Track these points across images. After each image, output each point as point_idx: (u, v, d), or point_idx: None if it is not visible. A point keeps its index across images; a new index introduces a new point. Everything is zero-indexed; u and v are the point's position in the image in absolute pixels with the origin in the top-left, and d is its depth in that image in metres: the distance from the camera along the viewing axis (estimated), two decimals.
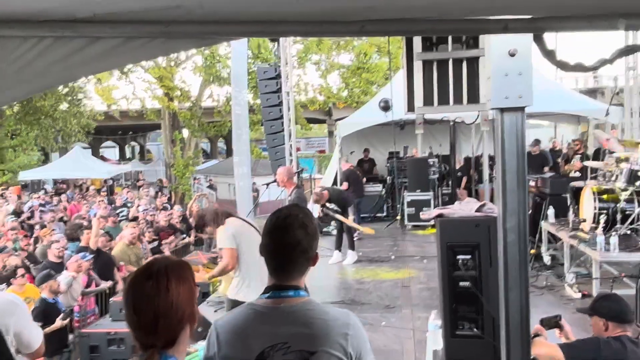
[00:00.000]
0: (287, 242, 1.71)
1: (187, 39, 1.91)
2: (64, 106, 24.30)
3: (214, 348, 1.72)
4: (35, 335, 2.91)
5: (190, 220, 12.47)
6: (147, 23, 1.75)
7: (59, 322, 6.24)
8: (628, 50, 2.48)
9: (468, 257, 3.06)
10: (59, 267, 7.64)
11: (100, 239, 8.56)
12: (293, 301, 1.70)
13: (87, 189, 21.95)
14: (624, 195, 6.57)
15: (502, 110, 2.26)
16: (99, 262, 8.06)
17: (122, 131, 39.44)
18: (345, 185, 11.39)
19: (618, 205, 6.55)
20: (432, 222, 8.29)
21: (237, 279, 4.51)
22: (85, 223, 10.61)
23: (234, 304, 4.52)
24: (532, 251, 7.76)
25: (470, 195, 12.26)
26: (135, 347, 1.49)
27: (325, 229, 10.83)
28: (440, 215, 3.28)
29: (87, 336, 6.40)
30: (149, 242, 10.09)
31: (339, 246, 8.94)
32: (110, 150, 43.91)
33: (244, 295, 4.35)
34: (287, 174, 6.97)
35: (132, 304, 1.46)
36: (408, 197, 11.47)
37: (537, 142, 12.09)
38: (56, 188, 23.29)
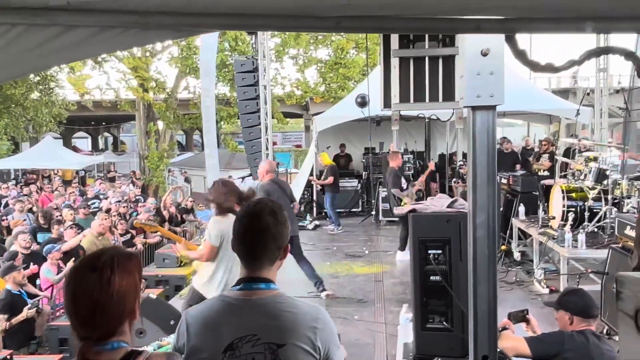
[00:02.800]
0: (258, 226, 1.75)
1: (163, 30, 1.89)
2: (35, 95, 23.72)
3: (184, 338, 1.72)
4: None
5: (164, 212, 12.34)
6: (122, 13, 1.74)
7: (25, 313, 6.15)
8: (597, 52, 2.55)
9: (439, 251, 3.12)
10: (27, 258, 7.51)
11: (69, 231, 8.41)
12: (264, 294, 1.72)
13: (57, 179, 21.48)
14: (591, 194, 6.76)
15: (474, 108, 2.31)
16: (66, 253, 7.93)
17: (95, 122, 38.72)
18: (331, 179, 11.48)
19: (586, 203, 6.74)
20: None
21: (207, 274, 4.54)
22: (57, 215, 10.44)
23: (196, 295, 4.56)
24: (503, 247, 7.92)
25: (443, 191, 12.43)
26: (73, 337, 1.46)
27: (300, 224, 10.85)
28: (413, 211, 3.34)
29: (57, 329, 6.30)
30: (122, 235, 9.95)
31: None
32: (82, 140, 43.07)
33: (207, 291, 4.43)
34: (267, 167, 6.99)
35: (72, 293, 1.43)
36: (383, 192, 11.57)
37: (504, 139, 12.31)
38: (26, 178, 22.78)
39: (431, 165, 10.72)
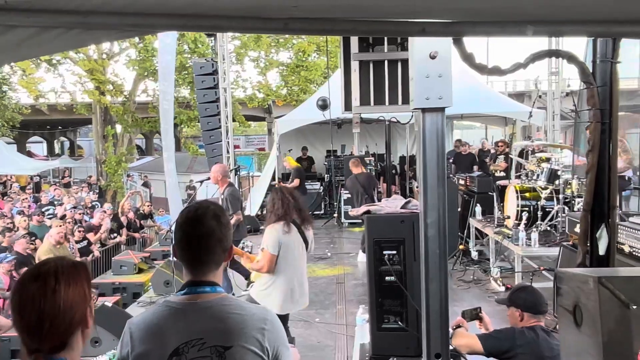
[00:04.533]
0: (202, 232, 1.71)
1: (107, 30, 1.85)
2: None
3: (127, 347, 1.68)
4: None
5: (122, 218, 12.07)
6: (63, 13, 1.69)
7: None
8: (541, 55, 2.63)
9: (394, 252, 3.15)
10: None
11: (21, 240, 8.13)
12: (209, 297, 1.70)
13: (10, 185, 20.73)
14: (544, 194, 6.97)
15: (424, 110, 2.35)
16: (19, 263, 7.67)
17: (50, 126, 37.60)
18: (297, 182, 11.46)
19: (539, 203, 6.94)
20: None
21: (263, 282, 4.41)
22: (7, 222, 10.08)
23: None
24: (461, 247, 8.07)
25: (404, 193, 12.59)
26: (21, 353, 1.42)
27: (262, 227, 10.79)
28: (368, 212, 3.36)
29: (8, 340, 6.07)
30: (77, 242, 9.68)
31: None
32: (37, 145, 41.69)
33: (262, 298, 4.28)
34: (221, 172, 6.89)
35: (18, 305, 1.39)
36: (345, 195, 11.63)
37: (460, 142, 12.57)
38: None
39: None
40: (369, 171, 10.12)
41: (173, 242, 8.03)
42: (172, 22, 1.87)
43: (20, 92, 26.63)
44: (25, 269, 6.65)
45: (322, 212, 13.42)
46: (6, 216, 10.69)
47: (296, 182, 11.55)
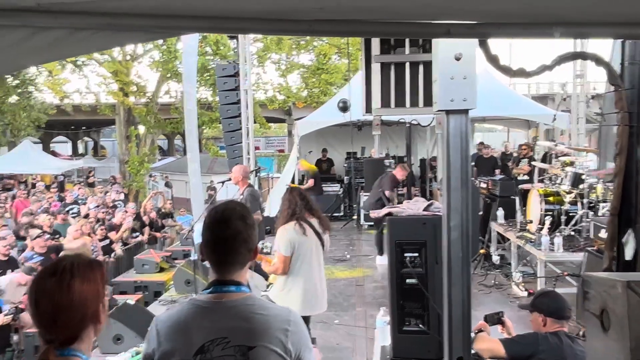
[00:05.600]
0: (228, 233, 1.73)
1: (135, 32, 1.88)
2: (13, 99, 23.36)
3: (154, 343, 1.71)
4: None
5: (144, 218, 12.22)
6: (93, 15, 1.73)
7: (1, 319, 6.04)
8: (568, 58, 2.60)
9: (415, 254, 3.14)
10: (4, 265, 7.38)
11: (38, 240, 8.23)
12: (234, 296, 1.72)
13: (34, 185, 21.13)
14: (568, 198, 6.87)
15: (448, 112, 2.33)
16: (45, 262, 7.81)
17: (74, 126, 38.26)
18: (311, 182, 11.50)
19: (563, 207, 6.84)
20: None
21: (281, 283, 4.42)
22: (35, 220, 10.28)
23: None
24: (482, 251, 7.99)
25: (424, 195, 12.51)
26: (40, 344, 1.49)
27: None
28: (389, 214, 3.35)
29: (32, 336, 6.19)
30: (100, 240, 9.83)
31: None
32: (62, 145, 42.46)
33: (281, 300, 4.25)
34: (241, 173, 6.93)
35: (34, 297, 1.47)
36: (364, 197, 11.61)
37: (482, 145, 12.45)
38: (3, 183, 22.37)
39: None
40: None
41: (194, 241, 8.13)
42: (199, 24, 1.90)
43: (45, 93, 27.20)
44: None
45: (342, 214, 13.41)
46: (34, 214, 10.89)
47: (310, 182, 11.57)
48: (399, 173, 9.16)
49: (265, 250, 5.63)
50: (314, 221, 4.41)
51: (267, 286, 6.57)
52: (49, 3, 1.67)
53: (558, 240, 6.33)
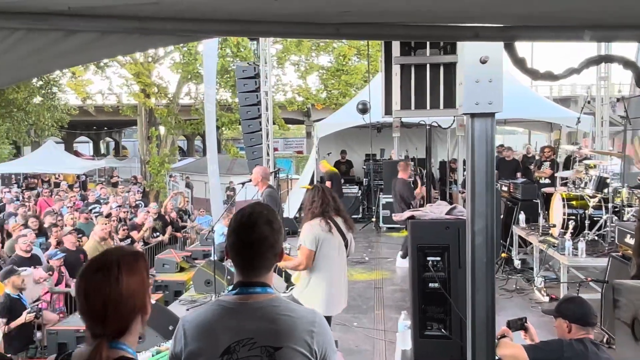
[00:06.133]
0: (255, 238, 1.74)
1: (163, 36, 1.90)
2: (37, 99, 23.79)
3: (181, 344, 1.73)
4: None
5: (166, 217, 12.34)
6: (122, 18, 1.75)
7: (24, 317, 6.15)
8: (596, 61, 2.55)
9: (438, 258, 3.11)
10: (27, 261, 7.52)
11: (69, 236, 8.39)
12: (260, 297, 1.73)
13: (57, 184, 21.50)
14: (592, 202, 6.75)
15: (473, 115, 2.31)
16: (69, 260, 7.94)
17: (96, 126, 38.85)
18: (328, 184, 11.50)
19: (586, 211, 6.72)
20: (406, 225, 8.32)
21: (304, 282, 4.39)
22: (58, 219, 10.45)
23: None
24: (503, 255, 7.90)
25: (444, 198, 12.42)
26: (86, 337, 1.52)
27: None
28: (411, 217, 3.33)
29: (56, 333, 6.29)
30: (122, 240, 9.95)
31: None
32: (84, 145, 43.16)
33: (305, 299, 4.23)
34: (261, 174, 6.95)
35: (84, 292, 1.50)
36: (383, 199, 11.56)
37: (503, 147, 12.32)
38: (27, 183, 22.80)
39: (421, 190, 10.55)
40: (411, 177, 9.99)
41: (214, 242, 8.15)
42: (226, 27, 1.91)
43: (68, 94, 27.66)
44: (76, 263, 6.86)
45: (360, 216, 13.37)
46: (57, 213, 11.08)
47: (328, 184, 11.57)
48: (405, 173, 9.09)
49: (285, 252, 5.62)
50: (339, 220, 4.41)
51: (287, 287, 6.59)
52: (80, 7, 1.69)
53: (581, 245, 6.22)
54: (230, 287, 1.80)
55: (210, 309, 1.76)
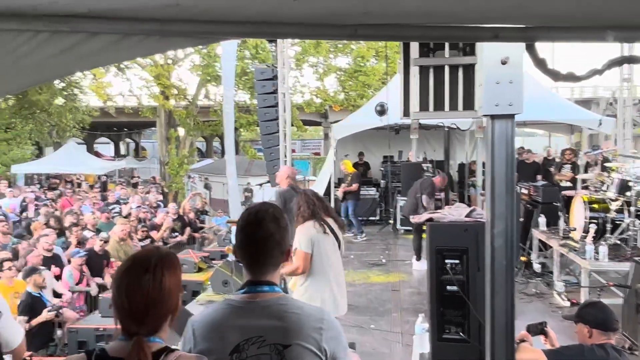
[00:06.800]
0: (261, 235, 1.76)
1: (183, 38, 1.92)
2: (59, 101, 24.20)
3: (190, 343, 1.74)
4: (16, 333, 2.76)
5: (184, 218, 12.45)
6: (142, 20, 1.77)
7: (44, 315, 6.24)
8: (619, 62, 2.51)
9: (456, 261, 3.09)
10: (50, 260, 7.64)
11: (95, 240, 8.50)
12: (268, 296, 1.74)
13: (79, 184, 21.83)
14: (614, 206, 6.63)
15: (493, 117, 2.29)
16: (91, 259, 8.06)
17: (117, 128, 39.35)
18: (356, 186, 11.53)
19: (608, 215, 6.61)
20: (423, 227, 8.29)
21: (303, 286, 4.37)
22: (79, 218, 10.61)
23: None
24: (523, 258, 7.80)
25: (462, 201, 12.33)
26: (116, 334, 1.55)
27: None
28: (430, 220, 3.31)
29: (76, 332, 6.38)
30: (141, 240, 10.06)
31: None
32: (104, 146, 43.76)
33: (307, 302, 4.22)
34: (286, 172, 6.96)
35: (127, 292, 1.53)
36: (401, 201, 11.51)
37: (523, 150, 12.17)
38: (49, 183, 23.19)
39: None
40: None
41: (232, 242, 8.18)
42: (244, 29, 1.92)
43: (90, 95, 28.07)
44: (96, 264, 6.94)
45: (378, 218, 13.33)
46: (76, 213, 11.24)
47: (355, 186, 11.56)
48: (439, 181, 9.13)
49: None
50: (330, 220, 4.43)
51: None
52: (101, 9, 1.71)
53: (603, 249, 6.11)
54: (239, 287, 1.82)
55: (219, 308, 1.78)
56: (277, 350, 1.66)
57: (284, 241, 1.80)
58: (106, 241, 8.68)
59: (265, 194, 8.84)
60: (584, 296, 6.29)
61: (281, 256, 1.80)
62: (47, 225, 9.63)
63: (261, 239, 1.76)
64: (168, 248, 10.58)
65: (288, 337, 1.67)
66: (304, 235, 4.29)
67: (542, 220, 7.86)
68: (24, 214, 12.98)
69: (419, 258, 8.46)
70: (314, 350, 1.67)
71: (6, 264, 6.66)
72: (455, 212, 3.31)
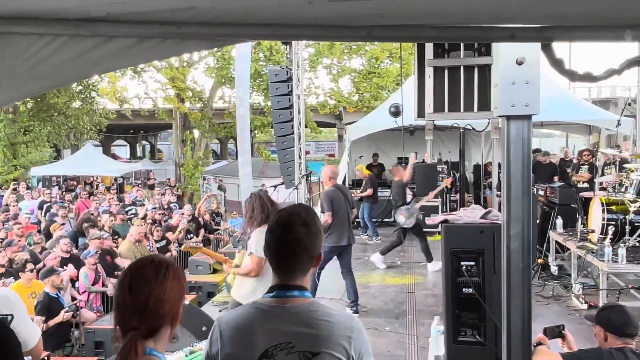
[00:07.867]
0: (290, 239, 1.72)
1: (199, 40, 1.94)
2: (77, 104, 24.50)
3: (217, 345, 1.72)
4: (32, 333, 2.71)
5: (199, 219, 12.52)
6: (159, 24, 1.79)
7: (62, 316, 6.32)
8: (638, 61, 2.48)
9: (472, 263, 3.06)
10: (68, 261, 7.73)
11: (94, 241, 8.52)
12: (298, 301, 1.71)
13: (97, 186, 22.08)
14: (633, 207, 6.53)
15: (509, 117, 2.27)
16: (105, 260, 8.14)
17: (133, 130, 39.71)
18: (370, 192, 11.53)
19: (627, 216, 6.51)
20: (439, 229, 8.25)
21: (252, 286, 4.43)
22: (98, 219, 10.72)
23: (236, 307, 4.46)
24: (540, 260, 7.72)
25: (478, 202, 12.23)
26: (114, 336, 1.58)
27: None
28: (445, 221, 3.29)
29: (93, 332, 6.44)
30: (157, 242, 10.14)
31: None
32: (121, 148, 44.22)
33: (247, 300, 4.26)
34: (328, 173, 6.92)
35: (129, 283, 1.55)
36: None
37: (538, 150, 12.05)
38: (67, 185, 23.47)
39: (447, 182, 10.60)
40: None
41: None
42: (260, 31, 1.93)
43: (106, 98, 28.36)
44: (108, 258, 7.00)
45: (392, 219, 13.27)
46: (93, 214, 11.37)
47: (369, 191, 11.55)
48: (398, 176, 9.27)
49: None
50: None
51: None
52: (118, 13, 1.74)
53: (622, 251, 6.02)
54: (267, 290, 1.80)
55: (246, 311, 1.75)
56: (305, 358, 1.64)
57: (314, 247, 1.74)
58: (116, 240, 8.76)
59: (279, 196, 8.84)
60: (602, 299, 6.21)
61: (311, 262, 1.75)
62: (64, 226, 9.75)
63: (289, 242, 1.72)
64: (181, 250, 10.69)
65: (317, 345, 1.65)
66: (260, 240, 4.29)
67: (559, 222, 7.77)
68: (46, 216, 13.15)
69: (430, 259, 8.44)
70: (342, 359, 1.65)
71: (29, 266, 6.76)
72: (471, 214, 3.29)
